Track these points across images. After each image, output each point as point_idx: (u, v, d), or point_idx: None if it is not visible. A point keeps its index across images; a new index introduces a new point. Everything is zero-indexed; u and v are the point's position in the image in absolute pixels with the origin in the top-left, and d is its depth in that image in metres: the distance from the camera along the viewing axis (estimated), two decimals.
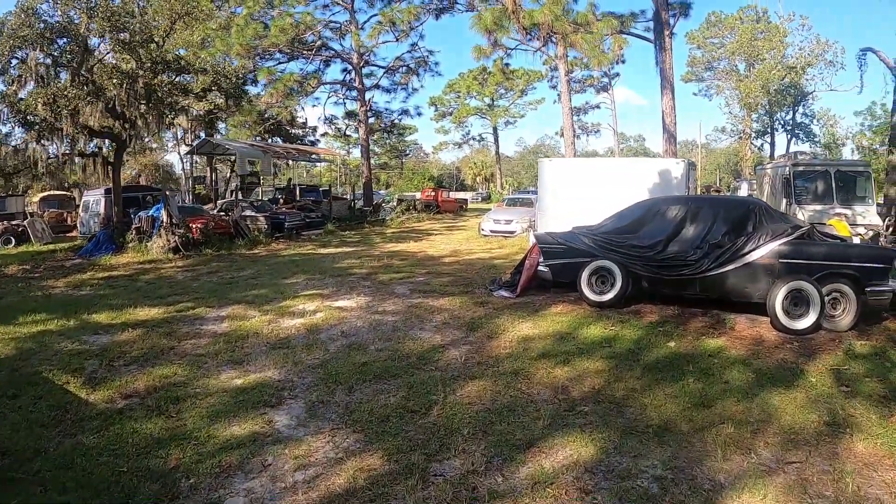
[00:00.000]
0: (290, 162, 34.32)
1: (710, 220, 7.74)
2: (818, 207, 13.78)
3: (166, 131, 31.32)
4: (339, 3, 29.65)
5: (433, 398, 4.88)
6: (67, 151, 17.28)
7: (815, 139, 51.44)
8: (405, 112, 37.23)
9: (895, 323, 7.26)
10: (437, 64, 33.15)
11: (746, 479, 3.63)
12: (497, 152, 68.43)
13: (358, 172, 40.87)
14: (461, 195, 55.75)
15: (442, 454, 3.93)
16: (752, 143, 54.18)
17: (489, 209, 26.29)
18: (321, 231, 22.06)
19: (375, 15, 29.31)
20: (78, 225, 22.52)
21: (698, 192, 21.24)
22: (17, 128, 16.97)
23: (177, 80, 19.01)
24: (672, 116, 17.82)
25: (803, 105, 50.11)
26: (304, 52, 28.98)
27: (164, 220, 15.54)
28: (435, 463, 3.83)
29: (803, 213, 13.45)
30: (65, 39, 15.98)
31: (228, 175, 32.83)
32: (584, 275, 8.21)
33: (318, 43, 29.32)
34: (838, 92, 60.42)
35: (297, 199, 27.49)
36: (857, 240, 10.25)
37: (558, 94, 36.12)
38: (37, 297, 10.16)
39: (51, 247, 18.72)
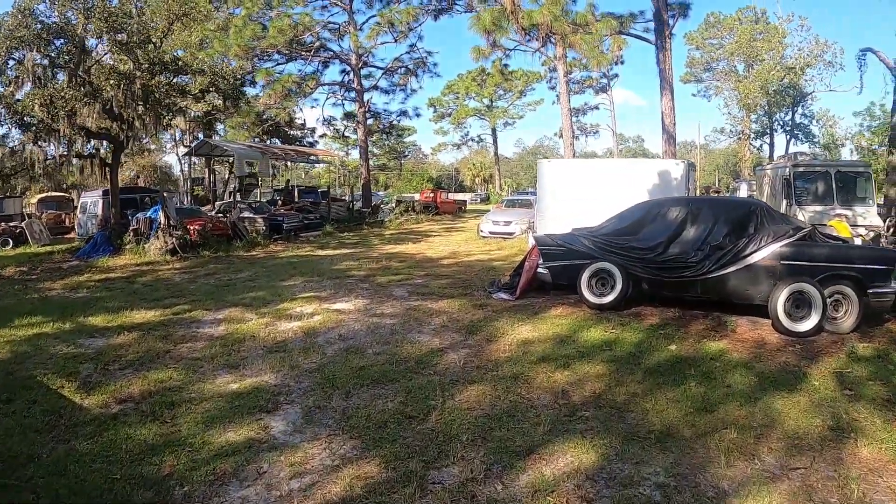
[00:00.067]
0: (289, 163, 34.27)
1: (711, 222, 7.69)
2: (818, 208, 13.74)
3: (164, 133, 31.25)
4: (337, 4, 29.60)
5: (431, 403, 4.82)
6: (65, 153, 17.21)
7: (815, 140, 51.56)
8: (404, 113, 37.24)
9: None
10: (435, 65, 33.17)
11: (750, 485, 3.58)
12: (496, 153, 68.37)
13: (356, 174, 40.79)
14: (460, 196, 55.63)
15: (440, 461, 3.87)
16: (751, 143, 54.23)
17: (488, 210, 26.25)
18: (319, 232, 22.00)
19: (374, 16, 29.28)
20: (76, 226, 22.46)
21: (698, 193, 21.19)
22: (14, 129, 16.96)
23: (174, 81, 18.96)
24: (671, 117, 17.79)
25: (802, 106, 50.19)
26: (303, 53, 28.91)
27: (162, 221, 15.48)
28: (433, 470, 3.76)
29: (803, 214, 13.41)
30: (62, 40, 15.93)
31: (227, 176, 32.77)
32: (584, 277, 8.15)
33: (317, 44, 29.26)
34: (837, 92, 60.77)
35: (296, 200, 27.40)
36: (857, 241, 10.20)
37: (557, 95, 36.13)
38: (33, 299, 10.09)
39: (48, 248, 18.63)
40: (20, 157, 16.93)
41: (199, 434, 4.33)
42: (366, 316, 8.06)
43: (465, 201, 47.37)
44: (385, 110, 37.75)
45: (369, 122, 34.92)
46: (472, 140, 70.78)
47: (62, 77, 16.02)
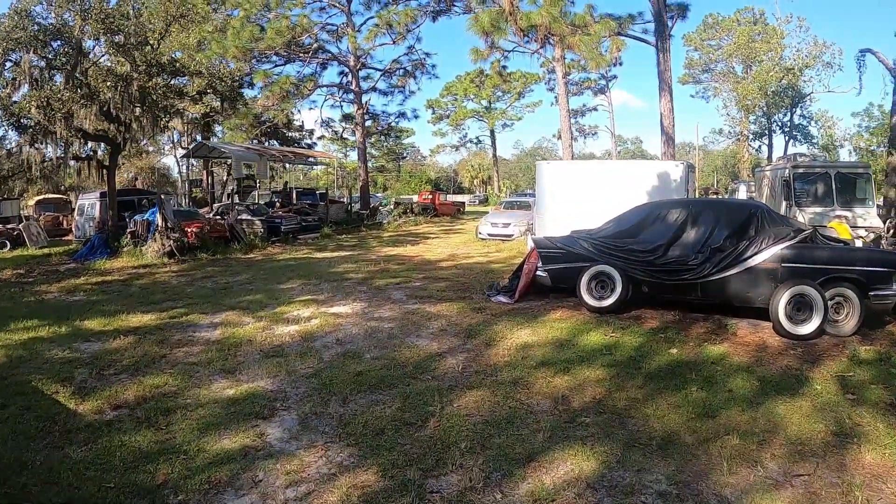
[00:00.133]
0: (287, 165, 34.23)
1: (712, 224, 7.65)
2: (818, 209, 13.72)
3: (162, 134, 31.18)
4: (335, 6, 29.55)
5: (430, 409, 4.76)
6: (62, 155, 17.15)
7: (813, 141, 51.56)
8: (402, 115, 37.18)
9: None
10: (434, 66, 33.07)
11: (753, 493, 3.53)
12: (494, 155, 68.28)
13: (355, 175, 40.77)
14: (458, 198, 55.66)
15: (438, 469, 3.81)
16: (749, 144, 54.27)
17: (487, 212, 26.20)
18: (318, 235, 21.96)
19: (372, 17, 29.22)
20: (73, 229, 22.39)
21: (697, 195, 21.17)
22: (11, 131, 16.91)
23: (172, 82, 18.92)
24: (670, 119, 17.76)
25: (801, 107, 50.24)
26: (301, 54, 28.85)
27: (160, 224, 15.41)
28: (431, 479, 3.70)
29: (803, 216, 13.38)
30: (59, 42, 15.88)
31: (225, 178, 32.70)
32: (584, 280, 8.10)
33: (315, 45, 29.21)
34: (836, 93, 60.74)
35: (294, 202, 27.33)
36: (858, 243, 10.16)
37: (556, 97, 36.04)
38: (30, 302, 10.05)
39: (46, 251, 18.57)
40: (17, 159, 16.87)
41: (194, 441, 4.27)
42: (364, 320, 8.01)
43: (463, 203, 47.34)
44: (383, 112, 37.77)
45: (368, 123, 34.88)
46: (471, 142, 70.78)
47: (59, 79, 15.97)
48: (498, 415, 4.66)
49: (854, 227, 12.27)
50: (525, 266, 9.26)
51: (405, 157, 77.48)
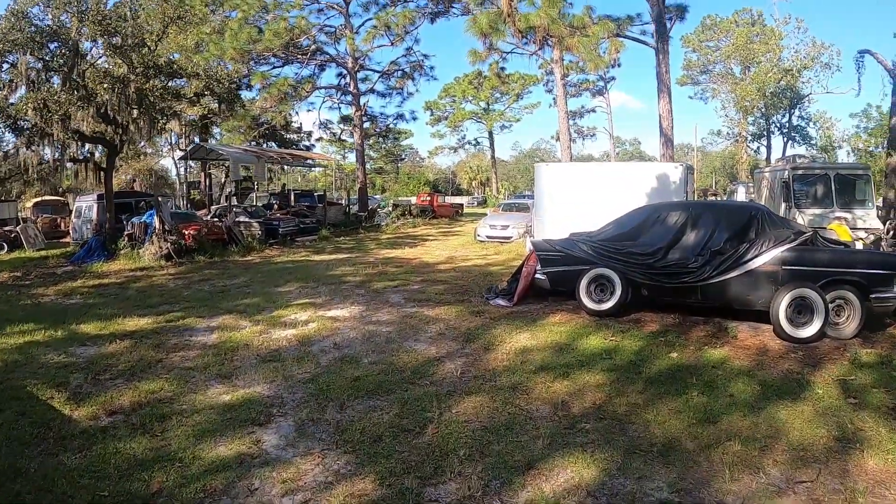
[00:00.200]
0: (285, 167, 34.17)
1: (712, 227, 7.61)
2: (818, 211, 13.70)
3: (160, 136, 31.10)
4: (333, 7, 29.52)
5: (428, 415, 4.71)
6: (59, 157, 17.10)
7: (812, 142, 51.54)
8: (400, 116, 37.17)
9: None
10: (432, 68, 33.18)
11: (756, 500, 3.49)
12: (493, 156, 68.26)
13: (353, 177, 40.74)
14: (457, 200, 55.63)
15: (437, 477, 3.76)
16: (748, 146, 54.26)
17: (485, 214, 26.15)
18: (315, 237, 21.92)
19: (370, 19, 29.23)
20: (71, 231, 22.32)
21: (696, 196, 21.13)
22: (7, 133, 16.86)
23: (169, 84, 18.86)
24: (669, 120, 17.75)
25: (799, 108, 50.18)
26: (299, 56, 28.82)
27: (157, 226, 15.35)
28: (429, 487, 3.65)
29: (803, 217, 13.36)
30: (56, 43, 15.85)
31: (223, 180, 32.64)
32: (583, 283, 8.06)
33: (313, 47, 29.17)
34: (834, 94, 60.70)
35: (292, 204, 27.27)
36: (858, 244, 10.13)
37: (554, 98, 36.09)
38: (26, 305, 9.99)
39: (43, 253, 18.49)
40: (14, 162, 16.82)
41: (190, 448, 4.22)
42: (361, 323, 7.95)
43: (461, 205, 47.32)
44: (381, 113, 37.76)
45: (366, 125, 34.83)
46: (469, 143, 70.73)
47: (56, 80, 15.93)
48: (497, 421, 4.61)
49: (854, 228, 12.25)
50: (524, 269, 9.22)
51: (403, 159, 77.48)
